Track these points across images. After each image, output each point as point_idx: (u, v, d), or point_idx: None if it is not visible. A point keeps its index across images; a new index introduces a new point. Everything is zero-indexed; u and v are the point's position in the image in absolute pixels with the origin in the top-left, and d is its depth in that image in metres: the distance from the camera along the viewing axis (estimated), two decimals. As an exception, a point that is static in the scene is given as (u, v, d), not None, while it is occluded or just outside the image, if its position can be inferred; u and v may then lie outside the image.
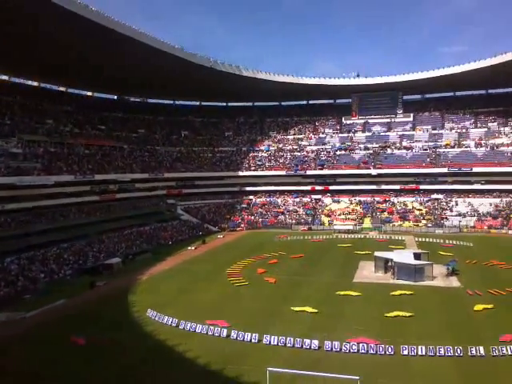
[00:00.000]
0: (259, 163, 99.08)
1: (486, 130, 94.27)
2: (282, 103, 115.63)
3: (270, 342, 27.92)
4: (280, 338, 27.89)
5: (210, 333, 29.88)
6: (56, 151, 71.11)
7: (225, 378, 23.74)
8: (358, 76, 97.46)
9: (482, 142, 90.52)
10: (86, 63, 70.39)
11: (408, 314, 32.35)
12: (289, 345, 27.43)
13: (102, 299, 39.81)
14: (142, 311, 34.98)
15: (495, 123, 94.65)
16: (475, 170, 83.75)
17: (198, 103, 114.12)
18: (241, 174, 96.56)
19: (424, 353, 25.51)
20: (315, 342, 27.18)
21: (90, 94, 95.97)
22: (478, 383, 22.42)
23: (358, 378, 20.71)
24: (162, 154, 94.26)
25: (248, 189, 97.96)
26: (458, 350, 25.41)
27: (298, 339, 27.56)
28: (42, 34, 57.62)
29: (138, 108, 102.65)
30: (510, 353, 25.12)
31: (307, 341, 27.34)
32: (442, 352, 25.38)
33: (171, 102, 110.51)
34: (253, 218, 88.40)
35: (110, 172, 76.16)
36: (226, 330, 29.75)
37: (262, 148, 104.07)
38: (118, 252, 58.66)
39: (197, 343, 28.46)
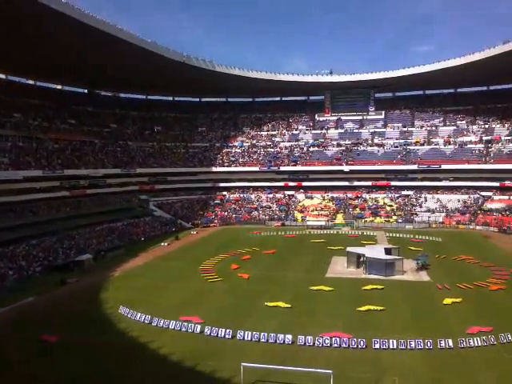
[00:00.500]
0: (233, 159, 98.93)
1: (454, 128, 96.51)
2: (256, 99, 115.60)
3: (243, 337, 27.99)
4: (254, 333, 28.00)
5: (184, 329, 29.76)
6: (24, 146, 69.39)
7: (198, 374, 23.68)
8: (331, 73, 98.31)
9: (451, 139, 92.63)
10: (54, 56, 68.68)
11: (379, 308, 32.95)
12: (262, 340, 27.56)
13: (73, 296, 39.03)
14: (115, 308, 34.53)
15: (463, 121, 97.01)
16: (444, 167, 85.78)
17: (170, 98, 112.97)
18: (214, 169, 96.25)
19: (395, 346, 26.06)
20: (289, 337, 27.38)
21: (59, 87, 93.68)
22: (447, 375, 23.00)
23: (330, 371, 21.02)
24: (135, 149, 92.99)
25: (221, 185, 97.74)
26: (428, 342, 26.05)
27: (272, 334, 27.72)
28: (8, 25, 55.76)
29: (110, 102, 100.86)
30: (477, 344, 25.97)
31: (281, 336, 27.52)
32: (413, 345, 25.99)
33: (143, 96, 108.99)
34: (226, 213, 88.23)
35: (81, 167, 74.72)
36: (199, 326, 29.64)
37: (236, 144, 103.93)
38: (89, 248, 57.55)
39: (170, 340, 28.31)
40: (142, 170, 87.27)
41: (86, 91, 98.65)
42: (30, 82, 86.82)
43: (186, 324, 30.10)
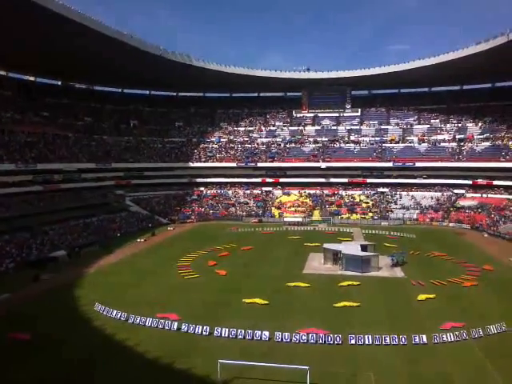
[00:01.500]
0: (210, 155, 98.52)
1: (428, 126, 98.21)
2: (234, 95, 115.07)
3: (221, 334, 27.98)
4: (231, 330, 28.01)
5: (160, 326, 29.57)
6: (-4, 138, 67.56)
7: (175, 372, 23.59)
8: (308, 70, 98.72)
9: (425, 137, 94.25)
10: (25, 46, 66.94)
11: (355, 304, 33.39)
12: (240, 336, 27.61)
13: (46, 293, 38.24)
14: (90, 305, 34.00)
15: (437, 120, 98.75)
16: (418, 164, 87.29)
17: (147, 92, 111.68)
18: (191, 165, 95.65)
19: (370, 341, 26.47)
20: (266, 334, 27.50)
21: (32, 78, 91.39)
22: (421, 370, 23.46)
23: (307, 367, 21.21)
24: (110, 143, 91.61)
25: (199, 180, 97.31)
26: (403, 338, 26.54)
27: (249, 331, 27.81)
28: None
29: (84, 95, 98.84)
30: (450, 340, 26.56)
31: (258, 332, 27.63)
32: (388, 340, 26.44)
33: (119, 90, 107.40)
34: (203, 209, 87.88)
35: (55, 161, 73.16)
36: (176, 323, 29.51)
37: (213, 139, 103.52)
38: (64, 244, 56.50)
39: (146, 337, 28.08)
40: (118, 165, 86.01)
41: (59, 83, 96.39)
42: (2, 72, 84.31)
43: (162, 321, 29.89)
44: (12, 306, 35.17)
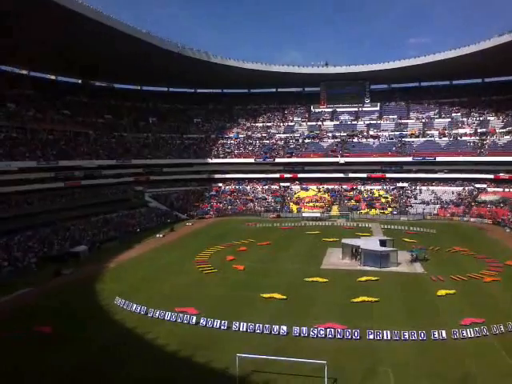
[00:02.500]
0: (228, 151, 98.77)
1: (449, 120, 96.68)
2: (251, 91, 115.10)
3: (239, 328, 28.13)
4: (249, 324, 28.13)
5: (179, 320, 29.85)
6: (18, 136, 68.92)
7: (194, 365, 23.81)
8: (326, 65, 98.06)
9: (446, 132, 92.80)
10: (47, 45, 67.93)
11: (374, 300, 33.16)
12: (258, 331, 27.71)
13: (68, 288, 38.94)
14: (110, 299, 34.54)
15: (458, 114, 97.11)
16: (439, 159, 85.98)
17: (165, 89, 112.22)
18: (210, 161, 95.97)
19: (389, 337, 26.28)
20: (284, 328, 27.55)
21: (53, 77, 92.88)
22: (441, 366, 23.18)
23: (325, 362, 21.14)
24: (130, 140, 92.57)
25: (217, 176, 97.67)
26: (422, 334, 26.28)
27: (267, 325, 27.87)
28: None
29: (104, 93, 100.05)
30: (470, 336, 26.21)
31: (276, 327, 27.68)
32: (407, 336, 26.21)
33: (138, 87, 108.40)
34: (222, 205, 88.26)
35: (75, 158, 74.35)
36: (195, 318, 29.77)
37: (231, 135, 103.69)
38: (85, 240, 57.39)
39: (166, 331, 28.40)
40: (138, 162, 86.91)
41: (79, 81, 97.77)
42: (23, 72, 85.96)
43: (181, 315, 30.19)
44: (34, 299, 35.93)
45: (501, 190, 79.60)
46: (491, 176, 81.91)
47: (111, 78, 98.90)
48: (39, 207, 61.23)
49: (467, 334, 26.30)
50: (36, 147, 69.29)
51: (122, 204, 76.13)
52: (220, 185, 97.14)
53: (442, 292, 34.68)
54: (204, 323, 29.08)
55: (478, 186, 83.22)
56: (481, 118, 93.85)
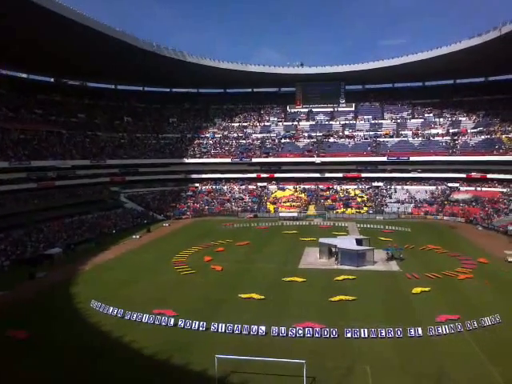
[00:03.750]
0: (204, 150, 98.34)
1: (422, 120, 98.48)
2: (228, 90, 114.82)
3: (217, 329, 28.06)
4: (228, 325, 28.10)
5: (157, 322, 29.60)
6: (-12, 136, 67.17)
7: (172, 367, 23.65)
8: (302, 65, 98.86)
9: (419, 132, 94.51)
10: (19, 43, 66.38)
11: (351, 298, 33.58)
12: (236, 332, 27.70)
13: (42, 291, 38.16)
14: (86, 302, 33.97)
15: (431, 114, 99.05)
16: (412, 158, 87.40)
17: (141, 88, 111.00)
18: (186, 161, 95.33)
19: (366, 335, 26.63)
20: (262, 328, 27.60)
21: (24, 75, 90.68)
22: (417, 362, 23.66)
23: (303, 361, 21.27)
24: (104, 139, 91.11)
25: (194, 176, 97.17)
26: (398, 331, 26.73)
27: (246, 326, 27.89)
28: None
29: (77, 92, 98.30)
30: (445, 332, 26.80)
31: (254, 327, 27.72)
32: (384, 334, 26.62)
33: (112, 86, 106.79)
34: (199, 205, 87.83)
35: (48, 158, 72.76)
36: (173, 319, 29.56)
37: (208, 135, 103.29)
38: (59, 242, 56.35)
39: (143, 333, 28.12)
40: (113, 162, 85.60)
41: (52, 80, 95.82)
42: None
43: (159, 317, 29.95)
44: (8, 303, 35.03)
45: (473, 189, 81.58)
46: (463, 175, 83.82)
47: (84, 76, 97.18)
48: (11, 209, 59.72)
49: (442, 330, 26.91)
50: (7, 147, 67.61)
51: (97, 205, 74.90)
52: (197, 185, 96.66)
53: (417, 290, 35.35)
54: (182, 325, 28.90)
55: (450, 185, 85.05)
56: (453, 119, 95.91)
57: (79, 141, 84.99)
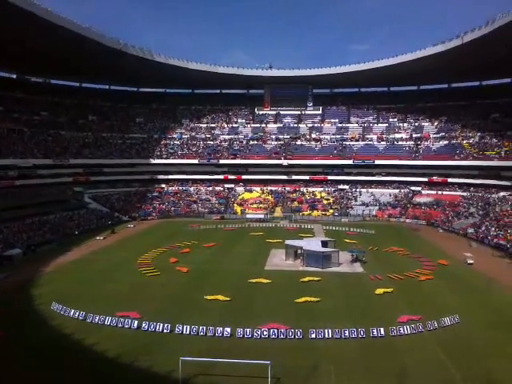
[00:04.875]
0: (171, 151, 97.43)
1: (386, 125, 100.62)
2: (196, 91, 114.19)
3: (182, 331, 27.85)
4: (192, 327, 27.91)
5: (120, 325, 29.09)
6: None
7: (136, 371, 23.28)
8: (270, 68, 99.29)
9: (384, 136, 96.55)
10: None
11: (316, 299, 33.91)
12: (201, 333, 27.55)
13: (1, 293, 36.83)
14: (47, 304, 33.02)
15: (395, 119, 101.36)
16: (377, 162, 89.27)
17: (107, 87, 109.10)
18: (152, 161, 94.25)
19: (330, 335, 26.98)
20: (227, 330, 27.55)
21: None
22: (379, 362, 24.12)
23: (268, 362, 21.36)
24: (68, 138, 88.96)
25: (160, 177, 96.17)
26: (361, 331, 27.19)
27: (211, 328, 27.79)
28: None
29: (41, 89, 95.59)
30: (406, 332, 27.43)
31: (219, 329, 27.64)
32: (347, 334, 27.01)
33: (77, 84, 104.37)
34: (165, 206, 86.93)
35: (8, 156, 70.52)
36: (136, 322, 29.10)
37: (175, 136, 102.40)
38: (19, 242, 54.54)
39: (106, 336, 27.60)
40: (76, 161, 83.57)
41: (14, 76, 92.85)
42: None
43: (122, 320, 29.43)
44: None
45: (434, 192, 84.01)
46: (425, 179, 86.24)
47: (48, 73, 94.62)
48: (-32, 208, 57.54)
49: (404, 330, 27.52)
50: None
51: (60, 205, 72.87)
52: (163, 186, 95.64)
53: (380, 290, 36.07)
54: (146, 327, 28.50)
55: (413, 188, 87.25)
56: (416, 124, 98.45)
57: (42, 139, 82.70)
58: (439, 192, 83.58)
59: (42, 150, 79.10)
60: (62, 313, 31.38)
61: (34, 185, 73.60)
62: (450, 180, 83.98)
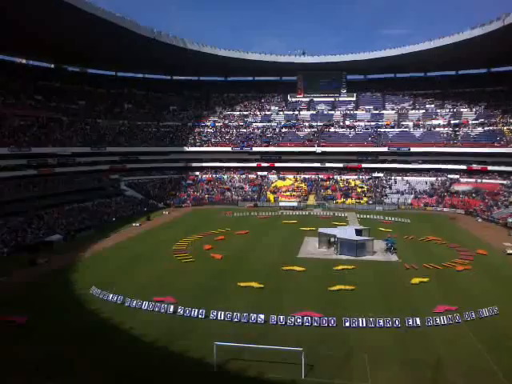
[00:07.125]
0: (205, 139, 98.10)
1: (423, 111, 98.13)
2: (228, 78, 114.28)
3: (216, 317, 28.26)
4: (227, 313, 28.28)
5: (157, 309, 29.78)
6: (-12, 122, 66.88)
7: (171, 354, 23.80)
8: (303, 54, 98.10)
9: (420, 123, 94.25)
10: (18, 28, 65.72)
11: (350, 288, 33.69)
12: (235, 319, 27.88)
13: (43, 277, 38.30)
14: (86, 289, 34.12)
15: (432, 105, 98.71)
16: (413, 149, 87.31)
17: (141, 75, 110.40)
18: (186, 149, 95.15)
19: (364, 324, 26.81)
20: (261, 317, 27.78)
21: (24, 61, 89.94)
22: (414, 352, 23.81)
23: (301, 349, 21.45)
24: (104, 127, 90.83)
25: (194, 165, 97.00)
26: (396, 321, 26.89)
27: (245, 314, 28.07)
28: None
29: (78, 78, 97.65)
30: (443, 323, 26.95)
31: (253, 315, 27.90)
32: (382, 323, 26.79)
33: (113, 73, 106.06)
34: (199, 194, 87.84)
35: (48, 145, 72.61)
36: (172, 307, 29.71)
37: (208, 123, 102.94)
38: (59, 229, 56.44)
39: (143, 320, 28.28)
40: (113, 149, 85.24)
41: (52, 66, 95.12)
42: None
43: (159, 304, 30.12)
44: (8, 289, 35.23)
45: (473, 180, 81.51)
46: (464, 167, 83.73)
47: (85, 62, 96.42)
48: (11, 195, 59.61)
49: (440, 321, 27.05)
50: (7, 133, 67.40)
51: (97, 192, 74.87)
52: (197, 173, 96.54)
53: (415, 280, 35.50)
54: (182, 312, 29.06)
55: (450, 176, 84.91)
56: (454, 110, 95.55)
57: (79, 128, 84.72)
58: (478, 180, 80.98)
59: (80, 139, 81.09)
60: (100, 297, 32.38)
61: (72, 172, 75.64)
62: (489, 168, 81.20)
